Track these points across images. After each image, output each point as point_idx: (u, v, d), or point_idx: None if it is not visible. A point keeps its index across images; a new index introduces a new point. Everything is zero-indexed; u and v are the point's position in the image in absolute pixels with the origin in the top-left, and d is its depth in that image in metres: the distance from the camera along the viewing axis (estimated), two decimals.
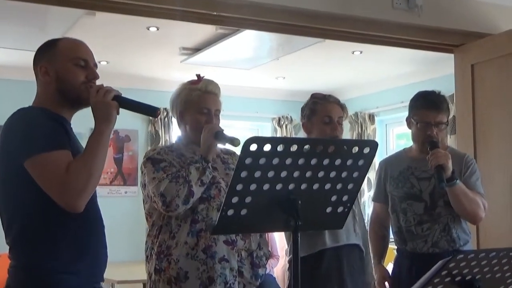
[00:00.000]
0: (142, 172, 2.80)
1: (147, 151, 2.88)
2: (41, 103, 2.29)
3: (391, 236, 3.49)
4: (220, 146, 2.87)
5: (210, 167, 2.67)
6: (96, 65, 2.35)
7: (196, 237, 2.67)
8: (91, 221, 2.25)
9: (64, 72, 2.26)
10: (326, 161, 1.91)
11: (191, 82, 2.87)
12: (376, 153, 2.02)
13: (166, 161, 2.72)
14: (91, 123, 2.20)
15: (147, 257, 2.81)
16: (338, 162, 1.93)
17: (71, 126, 2.35)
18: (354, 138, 7.78)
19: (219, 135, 2.65)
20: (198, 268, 2.65)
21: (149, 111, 2.29)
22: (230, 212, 1.89)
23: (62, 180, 2.06)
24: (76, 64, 2.27)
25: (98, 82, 2.32)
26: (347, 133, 7.82)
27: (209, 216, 2.68)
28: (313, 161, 1.89)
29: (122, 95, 2.24)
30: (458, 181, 3.08)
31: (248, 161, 1.80)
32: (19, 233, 2.18)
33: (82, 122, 2.62)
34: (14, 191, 2.18)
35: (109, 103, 2.17)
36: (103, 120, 2.17)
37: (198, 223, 2.68)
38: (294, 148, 1.85)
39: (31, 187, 2.10)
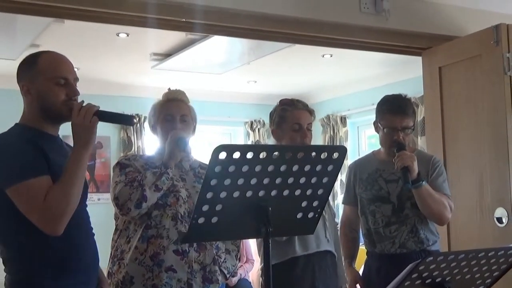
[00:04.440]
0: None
1: (119, 157, 2.90)
2: (25, 120, 2.35)
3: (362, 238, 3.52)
4: (200, 160, 2.91)
5: (169, 173, 2.67)
6: (77, 79, 2.37)
7: (146, 243, 2.66)
8: (71, 236, 2.27)
9: (45, 91, 2.29)
10: (295, 167, 1.92)
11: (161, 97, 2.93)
12: (348, 156, 2.04)
13: (131, 167, 2.73)
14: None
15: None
16: (307, 168, 1.94)
17: (59, 137, 2.41)
18: (326, 141, 7.82)
19: (180, 141, 2.67)
20: (144, 275, 2.64)
21: (126, 120, 2.34)
22: (201, 220, 1.89)
23: (41, 208, 2.12)
24: (56, 83, 2.29)
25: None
26: (319, 136, 7.86)
27: (162, 223, 2.68)
28: (283, 168, 1.89)
29: (101, 109, 2.26)
30: (424, 182, 3.11)
31: (217, 169, 1.80)
32: (4, 250, 2.28)
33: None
34: None
35: (89, 126, 2.20)
36: (82, 144, 2.21)
37: (150, 229, 2.67)
38: (263, 155, 1.85)
39: (11, 210, 2.17)
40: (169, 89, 2.92)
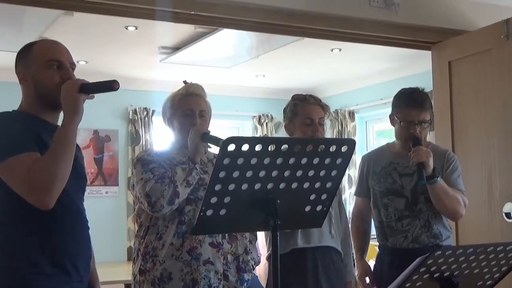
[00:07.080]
0: (132, 173, 2.81)
1: (138, 153, 2.88)
2: (23, 108, 2.34)
3: (373, 231, 3.51)
4: (213, 151, 2.88)
5: (197, 168, 2.67)
6: (73, 64, 2.36)
7: (181, 238, 2.66)
8: (66, 224, 2.26)
9: (39, 76, 2.29)
10: (304, 160, 1.91)
11: (178, 89, 2.91)
12: (355, 150, 2.04)
13: (155, 162, 2.70)
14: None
15: (134, 258, 2.81)
16: (316, 161, 1.93)
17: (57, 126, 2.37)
18: (334, 135, 7.81)
19: (205, 137, 2.65)
20: (182, 270, 2.64)
21: (109, 87, 2.28)
22: (209, 213, 1.89)
23: (25, 180, 2.09)
24: (50, 66, 2.29)
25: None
26: (327, 131, 7.82)
27: (196, 217, 2.66)
28: (291, 161, 1.89)
29: (87, 82, 2.24)
30: (438, 178, 3.09)
31: (226, 161, 1.80)
32: None
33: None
34: None
35: (75, 97, 2.18)
36: (68, 113, 2.19)
37: (184, 225, 2.67)
38: (272, 147, 1.85)
39: (2, 189, 2.16)
40: (185, 81, 2.90)
